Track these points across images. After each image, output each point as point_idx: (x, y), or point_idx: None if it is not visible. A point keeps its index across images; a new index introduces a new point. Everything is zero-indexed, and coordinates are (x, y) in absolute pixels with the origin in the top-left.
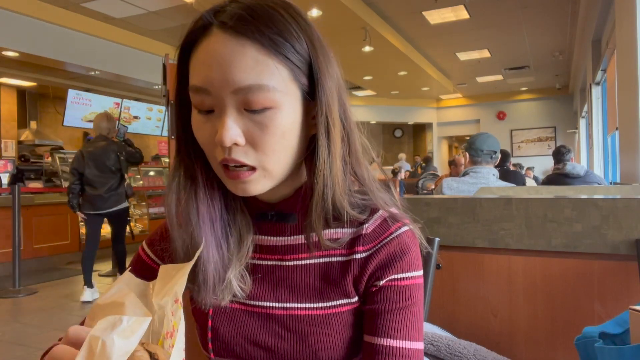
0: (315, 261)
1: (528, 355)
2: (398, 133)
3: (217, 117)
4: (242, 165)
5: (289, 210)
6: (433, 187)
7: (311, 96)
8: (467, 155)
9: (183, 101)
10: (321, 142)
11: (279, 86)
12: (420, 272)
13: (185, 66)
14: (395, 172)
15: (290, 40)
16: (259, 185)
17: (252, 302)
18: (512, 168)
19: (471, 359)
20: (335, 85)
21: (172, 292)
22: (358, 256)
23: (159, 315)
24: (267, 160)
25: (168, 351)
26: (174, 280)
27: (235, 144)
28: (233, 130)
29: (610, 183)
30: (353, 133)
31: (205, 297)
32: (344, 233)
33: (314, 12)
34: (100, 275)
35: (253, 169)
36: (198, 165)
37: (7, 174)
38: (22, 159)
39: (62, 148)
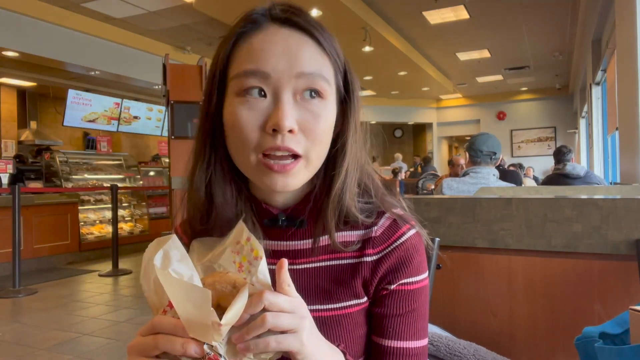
0: (326, 264)
1: (528, 355)
2: (398, 133)
3: (271, 102)
4: (288, 156)
5: (299, 215)
6: (433, 187)
7: (341, 101)
8: (468, 155)
9: (218, 95)
10: (349, 142)
11: (330, 80)
12: (427, 274)
13: (226, 58)
14: (395, 172)
15: (335, 47)
16: (299, 177)
17: None
18: (511, 168)
19: (471, 359)
20: (360, 99)
21: (230, 241)
22: (368, 259)
23: (206, 268)
24: (313, 150)
25: (240, 277)
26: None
27: (290, 131)
28: (291, 116)
29: (610, 183)
30: (363, 141)
31: None
32: (353, 236)
33: (314, 12)
34: (100, 275)
35: (297, 158)
36: (225, 162)
37: (7, 175)
38: (18, 160)
39: (49, 148)
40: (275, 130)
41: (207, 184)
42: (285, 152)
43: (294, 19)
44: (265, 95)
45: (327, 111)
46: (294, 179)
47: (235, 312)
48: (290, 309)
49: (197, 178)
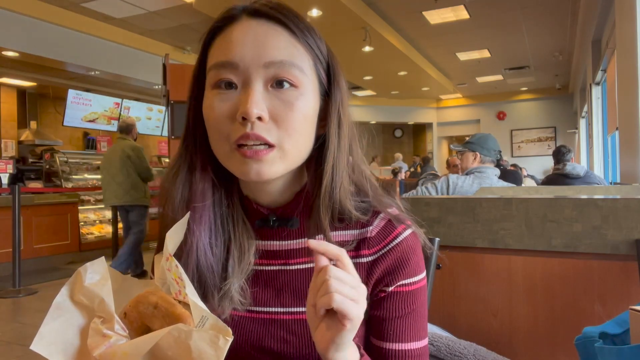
0: None
1: (528, 355)
2: (398, 133)
3: (241, 92)
4: (260, 144)
5: (290, 214)
6: None
7: (325, 94)
8: (477, 155)
9: (199, 95)
10: (332, 135)
11: (305, 70)
12: (424, 273)
13: (205, 55)
14: (395, 173)
15: (314, 36)
16: (273, 167)
17: (256, 309)
18: (511, 168)
19: (471, 359)
20: (346, 93)
21: (163, 258)
22: (364, 260)
23: (166, 288)
24: (288, 140)
25: (174, 300)
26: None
27: (259, 119)
28: (260, 103)
29: (610, 183)
30: (355, 138)
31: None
32: (348, 235)
33: (314, 12)
34: None
35: (271, 147)
36: (210, 165)
37: (7, 175)
38: (20, 161)
39: (52, 149)
40: (245, 119)
41: (172, 179)
42: (257, 141)
43: (264, 10)
44: (236, 87)
45: (303, 100)
46: (268, 167)
47: (135, 346)
48: (352, 284)
49: (168, 173)
